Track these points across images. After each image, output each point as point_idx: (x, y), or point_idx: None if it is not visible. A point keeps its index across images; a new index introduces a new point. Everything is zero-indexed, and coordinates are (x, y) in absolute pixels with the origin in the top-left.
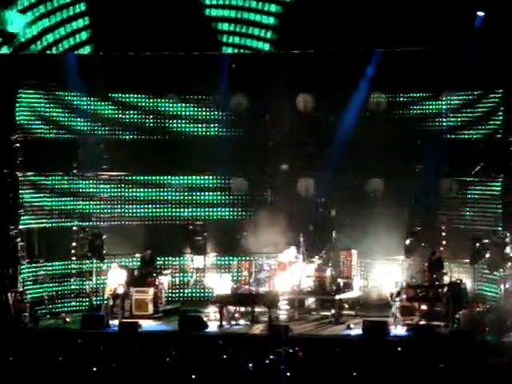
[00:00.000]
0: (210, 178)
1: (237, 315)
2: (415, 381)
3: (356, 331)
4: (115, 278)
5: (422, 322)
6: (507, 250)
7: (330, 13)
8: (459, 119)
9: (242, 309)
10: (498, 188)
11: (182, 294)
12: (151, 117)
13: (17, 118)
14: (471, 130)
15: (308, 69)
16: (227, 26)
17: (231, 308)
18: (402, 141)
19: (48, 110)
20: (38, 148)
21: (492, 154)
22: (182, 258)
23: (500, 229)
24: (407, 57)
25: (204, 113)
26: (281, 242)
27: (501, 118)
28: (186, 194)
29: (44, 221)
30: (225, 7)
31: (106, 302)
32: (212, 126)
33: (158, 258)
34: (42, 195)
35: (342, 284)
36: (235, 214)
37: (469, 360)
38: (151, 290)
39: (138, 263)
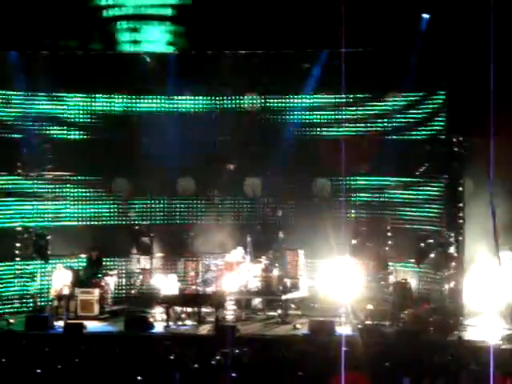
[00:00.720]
0: (157, 178)
1: (183, 316)
2: (363, 379)
3: (302, 331)
4: (60, 278)
5: (367, 322)
6: (451, 250)
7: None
8: (403, 120)
9: (189, 309)
10: (442, 188)
11: (128, 295)
12: (97, 116)
13: None
14: (416, 131)
15: (254, 68)
16: None
17: (178, 308)
18: (349, 141)
19: None
20: None
21: (436, 155)
22: (128, 259)
23: (444, 229)
24: (352, 57)
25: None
26: (228, 243)
27: (444, 118)
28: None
29: None
30: None
31: (50, 303)
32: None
33: (105, 259)
34: None
35: (288, 284)
36: (182, 214)
37: (414, 359)
38: (97, 291)
39: (84, 264)
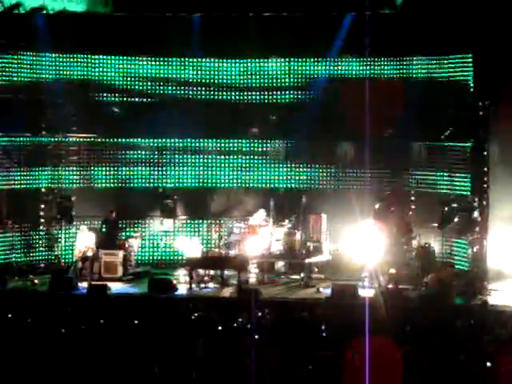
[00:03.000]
0: (180, 140)
1: (206, 278)
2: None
3: (325, 294)
4: (84, 240)
5: (390, 286)
6: (475, 214)
7: None
8: (428, 83)
9: (212, 272)
10: (467, 153)
11: (151, 257)
12: (122, 78)
13: None
14: (440, 95)
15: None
16: None
17: (201, 271)
18: (374, 105)
19: (16, 70)
20: (5, 108)
21: (461, 119)
22: (151, 221)
23: (468, 193)
24: (375, 21)
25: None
26: (251, 206)
27: (470, 82)
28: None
29: (11, 182)
30: None
31: (74, 264)
32: (185, 88)
33: (127, 221)
34: (10, 156)
35: (311, 248)
36: (206, 177)
37: (438, 323)
38: (121, 253)
39: (103, 226)
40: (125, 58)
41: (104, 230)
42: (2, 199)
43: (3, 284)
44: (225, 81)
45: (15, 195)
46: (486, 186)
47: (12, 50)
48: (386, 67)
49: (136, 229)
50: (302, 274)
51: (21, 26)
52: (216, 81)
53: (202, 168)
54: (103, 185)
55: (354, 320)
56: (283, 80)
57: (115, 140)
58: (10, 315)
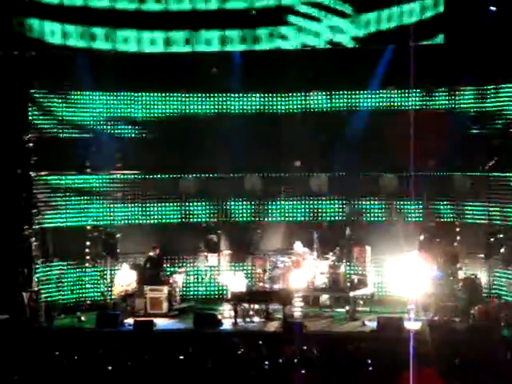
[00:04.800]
0: (222, 175)
1: (251, 313)
2: (434, 376)
3: (371, 328)
4: (124, 277)
5: (437, 318)
6: None
7: None
8: (473, 113)
9: (257, 306)
10: None
11: (196, 293)
12: (165, 114)
13: (30, 118)
14: (485, 124)
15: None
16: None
17: (246, 305)
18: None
19: (61, 108)
20: (51, 147)
21: (505, 148)
22: (196, 257)
23: None
24: (420, 52)
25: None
26: (295, 240)
27: None
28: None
29: (58, 220)
30: None
31: (119, 300)
32: (225, 123)
33: (172, 256)
34: (56, 194)
35: (356, 280)
36: (249, 211)
37: (486, 355)
38: (165, 289)
39: (147, 262)
40: (165, 94)
41: (148, 266)
42: (49, 237)
43: (50, 321)
44: (268, 115)
45: (61, 233)
46: None
47: (56, 88)
48: (432, 98)
49: (180, 264)
50: (346, 307)
51: (63, 64)
52: (260, 115)
53: (245, 202)
54: (147, 221)
55: (400, 353)
56: (325, 113)
57: (159, 176)
58: (57, 353)
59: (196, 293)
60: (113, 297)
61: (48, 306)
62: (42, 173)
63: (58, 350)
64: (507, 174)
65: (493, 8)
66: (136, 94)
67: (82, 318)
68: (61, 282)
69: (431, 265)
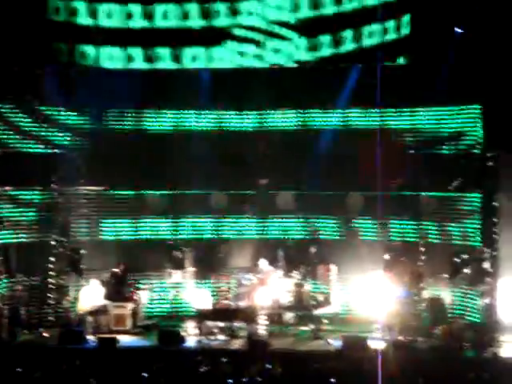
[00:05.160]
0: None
1: (215, 330)
2: None
3: (335, 347)
4: (90, 293)
5: (401, 337)
6: (486, 265)
7: None
8: (437, 134)
9: (221, 324)
10: (477, 203)
11: (160, 309)
12: (130, 131)
13: None
14: (449, 145)
15: (288, 84)
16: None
17: (210, 323)
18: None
19: (26, 123)
20: (16, 162)
21: (470, 169)
22: (160, 273)
23: (478, 244)
24: (385, 71)
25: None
26: (259, 257)
27: (478, 133)
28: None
29: (22, 235)
30: None
31: (83, 317)
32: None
33: (136, 273)
34: (20, 210)
35: (320, 299)
36: (214, 229)
37: (449, 375)
38: (130, 305)
39: (111, 278)
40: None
41: (113, 282)
42: (12, 252)
43: (13, 337)
44: (234, 133)
45: (25, 248)
46: (496, 236)
47: (21, 103)
48: (394, 118)
49: (145, 281)
50: (311, 326)
51: (30, 79)
52: (225, 133)
53: (210, 219)
54: (112, 237)
55: (364, 372)
56: (293, 131)
57: (124, 192)
58: (19, 369)
59: (160, 310)
60: (79, 313)
61: (11, 322)
62: (7, 188)
63: (20, 366)
64: (471, 195)
65: (458, 30)
66: (107, 110)
67: (45, 334)
68: (23, 298)
69: (396, 284)
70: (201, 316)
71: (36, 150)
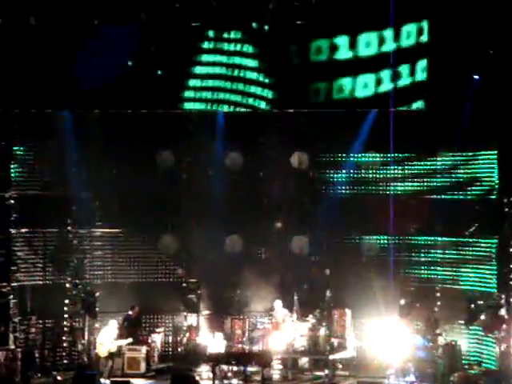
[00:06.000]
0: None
1: (229, 374)
2: None
3: None
4: (107, 335)
5: (415, 383)
6: (502, 312)
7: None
8: (453, 179)
9: (235, 368)
10: (493, 249)
11: (174, 353)
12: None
13: (12, 175)
14: (465, 191)
15: (302, 128)
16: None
17: (224, 367)
18: (398, 200)
19: (43, 166)
20: (32, 205)
21: (486, 215)
22: (175, 316)
23: (495, 290)
24: (400, 117)
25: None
26: (274, 301)
27: (495, 178)
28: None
29: (37, 277)
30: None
31: (97, 360)
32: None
33: (152, 316)
34: (36, 252)
35: (335, 344)
36: (229, 272)
37: None
38: (144, 349)
39: (125, 322)
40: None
41: (126, 325)
42: (27, 295)
43: (26, 381)
44: (249, 176)
45: (39, 290)
46: None
47: (38, 146)
48: (411, 164)
49: (159, 324)
50: (325, 371)
51: (47, 122)
52: (240, 176)
53: (226, 262)
54: (127, 280)
55: None
56: (306, 175)
57: (139, 234)
58: None
59: (174, 353)
60: (98, 355)
61: (24, 365)
62: (23, 230)
63: None
64: (487, 240)
65: (476, 76)
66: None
67: (59, 378)
68: (38, 341)
69: (411, 330)
70: (215, 360)
71: (52, 193)
